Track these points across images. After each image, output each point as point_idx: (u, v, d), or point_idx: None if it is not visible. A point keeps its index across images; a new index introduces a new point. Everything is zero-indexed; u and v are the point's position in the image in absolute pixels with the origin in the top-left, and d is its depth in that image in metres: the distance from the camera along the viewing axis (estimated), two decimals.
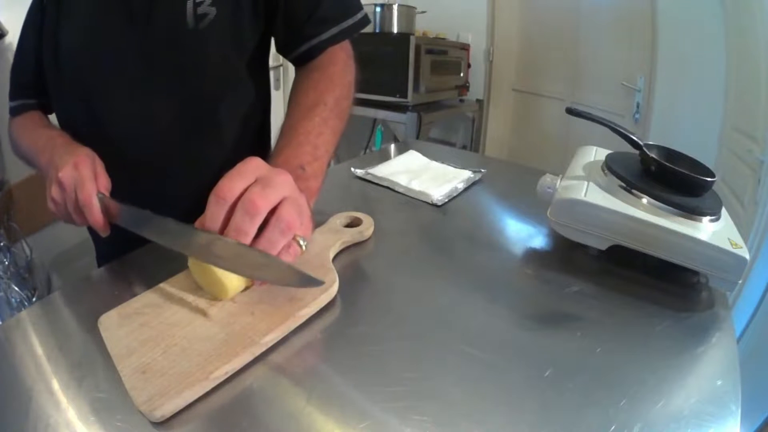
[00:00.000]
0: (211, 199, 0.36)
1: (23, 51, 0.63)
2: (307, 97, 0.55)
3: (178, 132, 0.59)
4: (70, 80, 0.57)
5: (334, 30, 0.59)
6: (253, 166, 0.38)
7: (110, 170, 0.49)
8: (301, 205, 0.38)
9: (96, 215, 0.44)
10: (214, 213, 0.35)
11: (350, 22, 0.60)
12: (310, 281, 0.36)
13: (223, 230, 0.36)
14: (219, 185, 0.36)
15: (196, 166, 0.61)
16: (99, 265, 0.67)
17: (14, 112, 0.64)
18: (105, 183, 0.47)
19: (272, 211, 0.36)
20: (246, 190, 0.36)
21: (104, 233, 0.45)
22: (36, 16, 0.59)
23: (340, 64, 0.60)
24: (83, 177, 0.45)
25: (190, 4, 0.53)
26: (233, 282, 0.37)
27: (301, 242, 0.38)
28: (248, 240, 0.35)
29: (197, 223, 0.37)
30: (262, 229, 0.36)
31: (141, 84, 0.56)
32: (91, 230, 0.68)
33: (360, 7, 0.62)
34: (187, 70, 0.57)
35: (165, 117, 0.57)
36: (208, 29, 0.55)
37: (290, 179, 0.39)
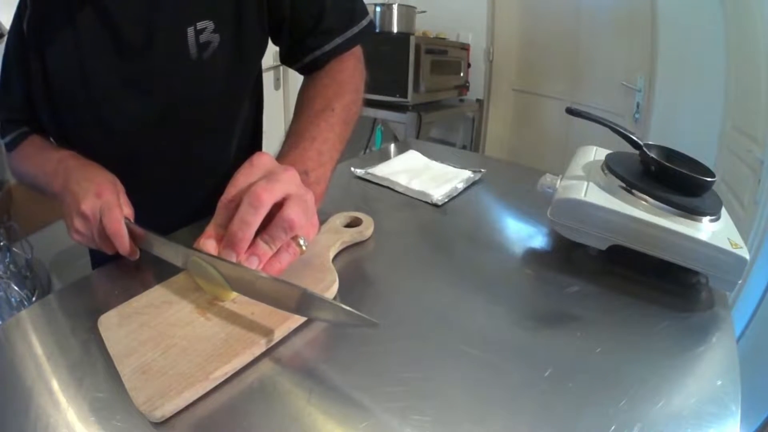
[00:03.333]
0: (219, 205, 0.37)
1: (8, 83, 0.58)
2: (314, 103, 0.54)
3: (178, 153, 0.59)
4: (65, 110, 0.54)
5: (339, 40, 0.58)
6: (260, 163, 0.38)
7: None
8: (308, 202, 0.38)
9: (125, 244, 0.43)
10: (220, 215, 0.37)
11: (355, 30, 0.59)
12: (362, 320, 0.32)
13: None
14: (225, 191, 0.37)
15: (194, 177, 0.61)
16: (93, 267, 0.67)
17: (11, 146, 0.59)
18: (129, 209, 0.46)
19: (279, 207, 0.37)
20: (252, 184, 0.36)
21: (133, 258, 0.45)
22: (16, 41, 0.55)
23: (348, 69, 0.59)
24: (109, 205, 0.43)
25: (191, 32, 0.51)
26: None
27: (302, 242, 0.38)
28: (251, 231, 0.35)
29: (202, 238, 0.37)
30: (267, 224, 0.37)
31: (139, 114, 0.55)
32: None
33: (365, 13, 0.60)
34: (189, 99, 0.56)
35: (164, 140, 0.57)
36: (211, 58, 0.53)
37: (297, 176, 0.39)
